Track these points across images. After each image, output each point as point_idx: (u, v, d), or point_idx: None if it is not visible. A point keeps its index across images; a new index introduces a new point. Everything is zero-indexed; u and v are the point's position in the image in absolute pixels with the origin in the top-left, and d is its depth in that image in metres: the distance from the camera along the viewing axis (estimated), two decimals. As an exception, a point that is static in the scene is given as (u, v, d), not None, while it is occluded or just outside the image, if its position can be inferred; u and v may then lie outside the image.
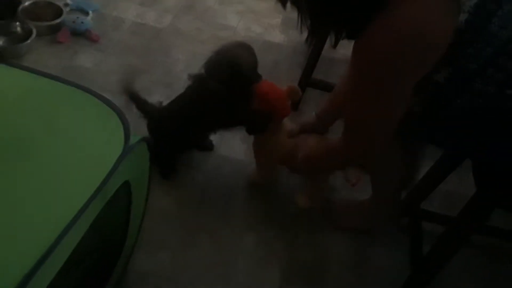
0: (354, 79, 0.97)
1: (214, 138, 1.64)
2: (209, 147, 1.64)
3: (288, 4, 0.95)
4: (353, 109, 1.02)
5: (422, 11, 0.82)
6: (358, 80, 0.95)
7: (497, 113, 0.95)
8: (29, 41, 1.81)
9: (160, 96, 1.76)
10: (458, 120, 1.00)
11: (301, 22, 0.94)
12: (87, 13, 2.06)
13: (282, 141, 1.36)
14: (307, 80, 1.77)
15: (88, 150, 0.81)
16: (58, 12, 1.98)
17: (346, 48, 2.17)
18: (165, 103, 1.51)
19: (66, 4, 2.08)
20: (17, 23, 1.89)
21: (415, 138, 1.14)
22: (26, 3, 1.96)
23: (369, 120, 0.99)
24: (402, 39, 0.83)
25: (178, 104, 1.44)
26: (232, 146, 1.65)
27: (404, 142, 1.17)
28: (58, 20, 1.95)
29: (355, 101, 0.99)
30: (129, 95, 1.47)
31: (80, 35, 1.96)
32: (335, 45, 1.57)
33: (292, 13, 0.97)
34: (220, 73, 1.30)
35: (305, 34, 0.97)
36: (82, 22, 1.97)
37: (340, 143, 1.10)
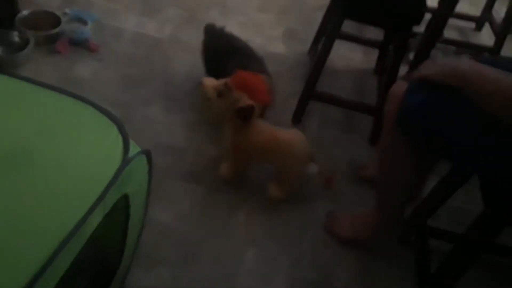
0: None
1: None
2: None
3: None
4: None
5: None
6: None
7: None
8: (26, 50, 1.79)
9: (159, 107, 1.76)
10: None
11: None
12: (85, 23, 2.04)
13: (260, 131, 1.44)
14: (310, 92, 1.75)
15: (87, 162, 0.81)
16: (57, 22, 1.97)
17: (348, 60, 2.18)
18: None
19: (65, 14, 2.06)
20: (15, 33, 1.87)
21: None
22: (24, 12, 1.94)
23: None
24: None
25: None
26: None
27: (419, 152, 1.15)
28: (56, 30, 1.94)
29: None
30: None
31: (79, 44, 1.95)
32: None
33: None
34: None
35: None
36: (81, 32, 1.95)
37: None
